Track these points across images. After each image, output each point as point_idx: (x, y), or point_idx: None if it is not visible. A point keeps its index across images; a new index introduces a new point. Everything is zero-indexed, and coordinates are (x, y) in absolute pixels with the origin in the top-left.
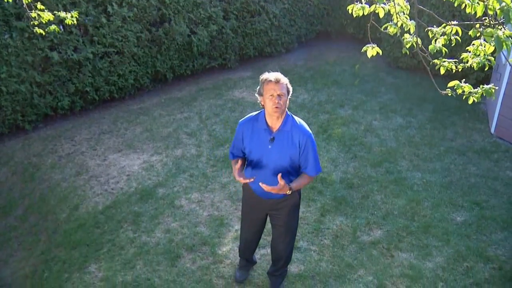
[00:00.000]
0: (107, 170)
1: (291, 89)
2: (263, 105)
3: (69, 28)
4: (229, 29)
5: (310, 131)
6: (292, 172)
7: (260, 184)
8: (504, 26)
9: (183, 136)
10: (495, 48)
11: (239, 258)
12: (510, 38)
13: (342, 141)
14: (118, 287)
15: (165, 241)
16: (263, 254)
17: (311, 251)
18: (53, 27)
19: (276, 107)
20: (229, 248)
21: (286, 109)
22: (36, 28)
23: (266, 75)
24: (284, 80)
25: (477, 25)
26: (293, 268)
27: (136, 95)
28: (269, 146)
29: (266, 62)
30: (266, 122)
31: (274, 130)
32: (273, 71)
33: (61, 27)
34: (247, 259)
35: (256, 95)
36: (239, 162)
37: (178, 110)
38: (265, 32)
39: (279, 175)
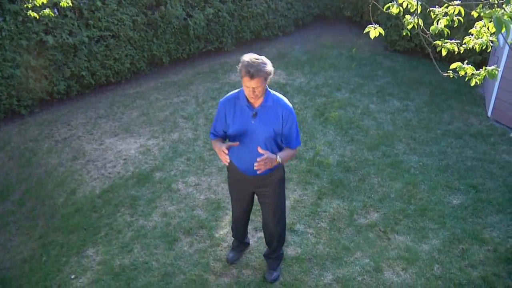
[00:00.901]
0: (104, 154)
1: (272, 71)
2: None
3: (63, 11)
4: (225, 12)
5: (291, 106)
6: (274, 146)
7: (255, 166)
8: (505, 7)
9: (180, 119)
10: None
11: (233, 238)
12: (510, 19)
13: (339, 124)
14: (115, 271)
15: (162, 224)
16: (260, 237)
17: (308, 234)
18: (47, 11)
19: (252, 97)
20: (226, 231)
21: (266, 87)
22: (30, 11)
23: (245, 64)
24: (261, 73)
25: (480, 6)
26: (290, 251)
27: (133, 79)
28: (252, 121)
29: (263, 45)
30: (247, 100)
31: (256, 106)
32: (270, 55)
33: (55, 10)
34: (239, 240)
35: (239, 72)
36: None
37: (175, 94)
38: (262, 15)
39: (259, 148)
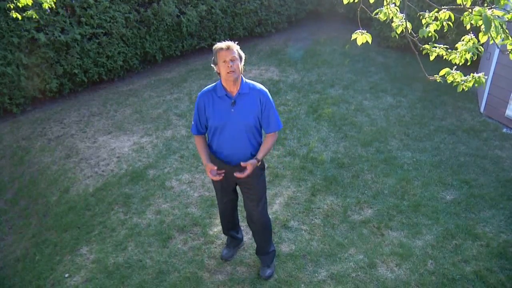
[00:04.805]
0: (97, 152)
1: (243, 55)
2: (219, 73)
3: (55, 8)
4: (218, 9)
5: (266, 90)
6: (255, 133)
7: (235, 174)
8: (495, 8)
9: (173, 117)
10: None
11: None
12: (498, 17)
13: (332, 121)
14: (110, 269)
15: (156, 222)
16: None
17: (302, 231)
18: (30, 12)
19: (229, 72)
20: (220, 228)
21: (242, 75)
22: (13, 11)
23: (217, 44)
24: (235, 46)
25: (467, 12)
26: (284, 247)
27: (125, 77)
28: (232, 110)
29: (256, 42)
30: (225, 89)
31: (234, 94)
32: (263, 52)
33: (48, 9)
34: (231, 235)
35: (212, 65)
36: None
37: (168, 91)
38: (255, 12)
39: (241, 164)
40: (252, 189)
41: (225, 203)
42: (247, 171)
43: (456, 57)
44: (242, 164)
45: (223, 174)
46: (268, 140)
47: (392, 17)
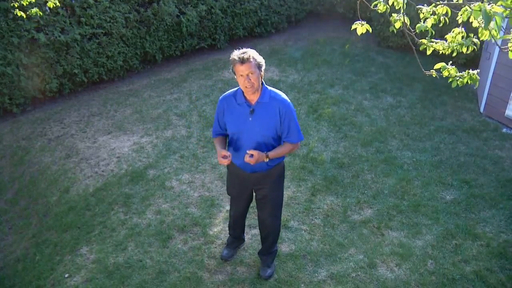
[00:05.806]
0: (97, 152)
1: (263, 62)
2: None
3: (55, 9)
4: (218, 9)
5: (289, 100)
6: (273, 143)
7: (245, 159)
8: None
9: (173, 117)
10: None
11: (228, 235)
12: (499, 14)
13: (332, 120)
14: (110, 269)
15: (156, 222)
16: (254, 234)
17: (302, 231)
18: (35, 10)
19: (247, 87)
20: (220, 228)
21: (262, 82)
22: (17, 10)
23: (233, 55)
24: (251, 58)
25: (464, 8)
26: (284, 247)
27: (125, 77)
28: (250, 119)
29: (256, 42)
30: (244, 97)
31: (253, 103)
32: (263, 52)
33: (47, 8)
34: (235, 236)
35: (231, 71)
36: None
37: (168, 91)
38: (255, 12)
39: (249, 151)
40: (268, 196)
41: (241, 209)
42: (253, 159)
43: (446, 47)
44: (249, 151)
45: (230, 158)
46: (285, 145)
47: (393, 3)
